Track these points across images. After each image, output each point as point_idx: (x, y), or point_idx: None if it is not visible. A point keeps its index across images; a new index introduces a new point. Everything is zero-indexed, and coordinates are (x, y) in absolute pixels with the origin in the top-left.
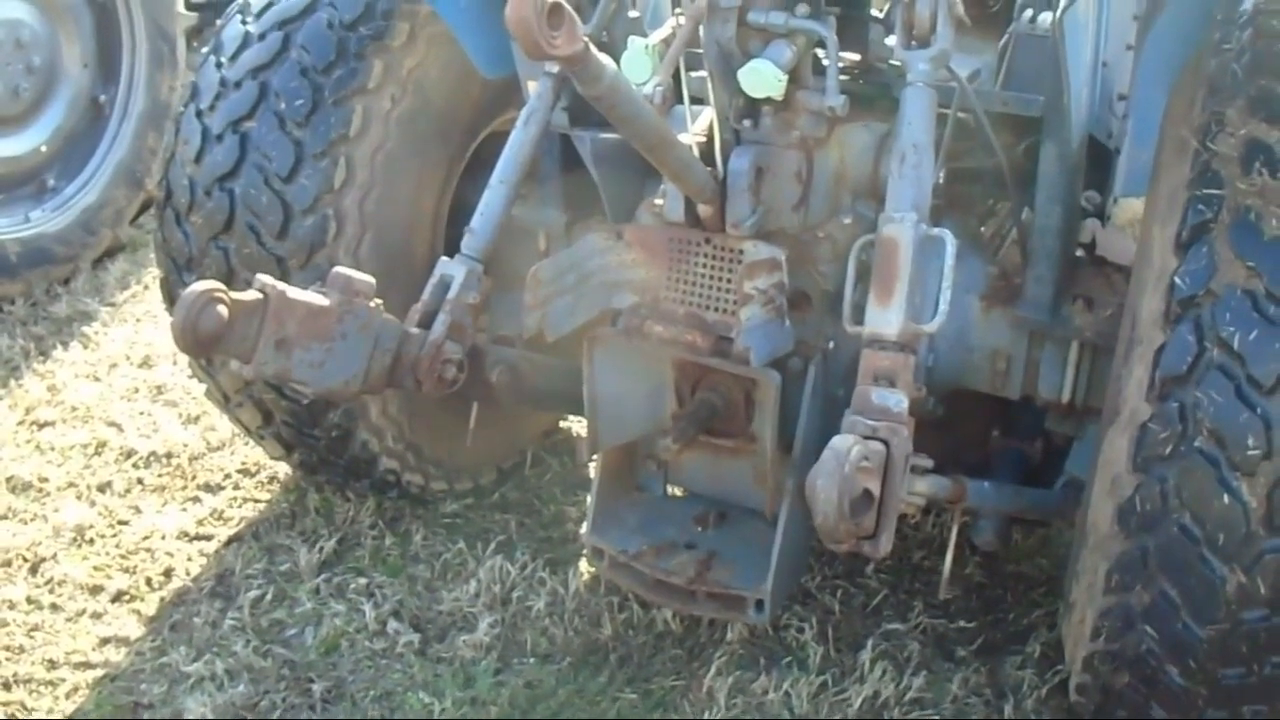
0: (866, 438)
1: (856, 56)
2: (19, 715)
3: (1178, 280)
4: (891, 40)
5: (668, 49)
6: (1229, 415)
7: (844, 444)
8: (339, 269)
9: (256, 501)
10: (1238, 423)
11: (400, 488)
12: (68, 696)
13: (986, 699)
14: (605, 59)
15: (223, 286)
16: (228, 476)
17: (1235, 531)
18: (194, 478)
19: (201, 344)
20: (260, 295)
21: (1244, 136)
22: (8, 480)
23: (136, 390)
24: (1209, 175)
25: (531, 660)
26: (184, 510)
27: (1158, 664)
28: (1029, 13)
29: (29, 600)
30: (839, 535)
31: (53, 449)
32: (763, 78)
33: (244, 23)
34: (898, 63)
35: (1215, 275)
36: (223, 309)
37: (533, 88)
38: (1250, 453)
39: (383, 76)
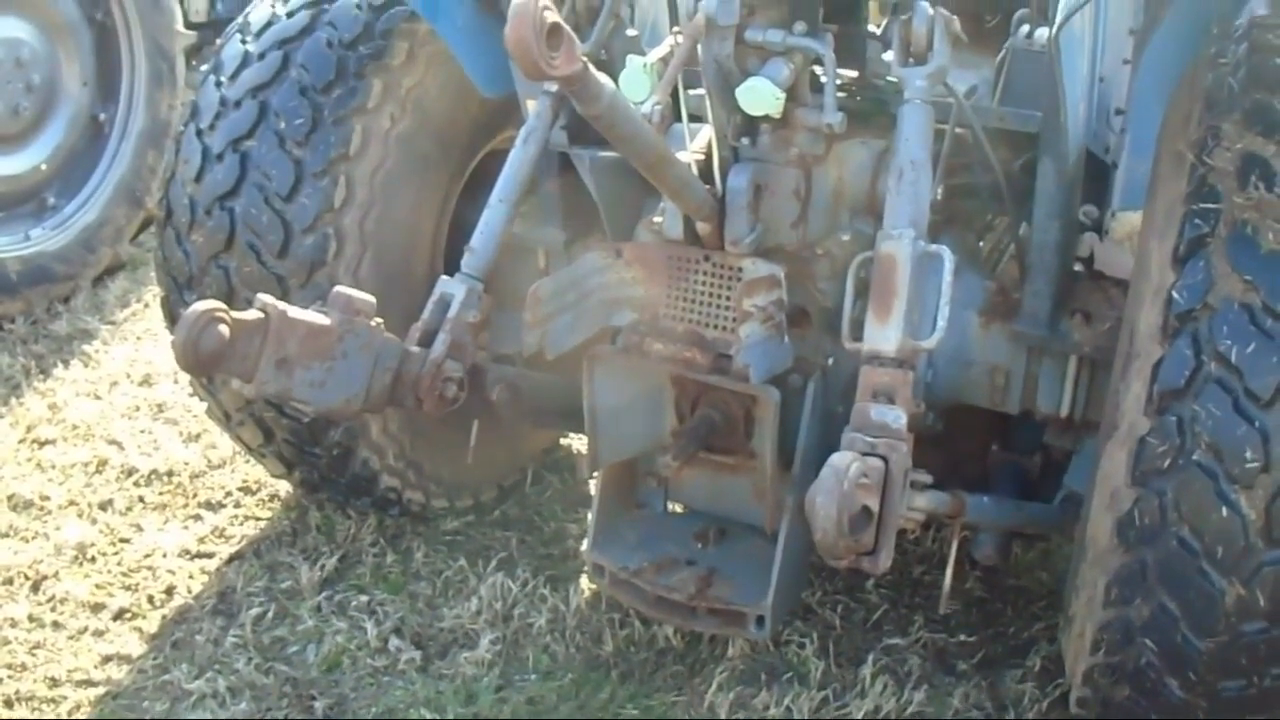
0: (865, 454)
1: (854, 73)
2: None
3: (1175, 294)
4: (889, 57)
5: (666, 67)
6: (1227, 428)
7: (843, 461)
8: (339, 288)
9: (258, 519)
10: (1236, 436)
11: (401, 505)
12: (70, 714)
13: (987, 713)
14: (604, 78)
15: (224, 306)
16: (229, 494)
17: (1234, 544)
18: (195, 495)
19: (203, 363)
20: (261, 314)
21: (1240, 150)
22: (9, 498)
23: (137, 408)
24: (1206, 189)
25: (533, 677)
26: (185, 528)
27: (1158, 677)
28: (1025, 28)
29: (31, 618)
30: (838, 552)
31: (54, 467)
32: (761, 95)
33: (243, 42)
34: (895, 79)
35: (1213, 289)
36: (224, 328)
37: (532, 106)
38: (1248, 466)
39: (382, 95)
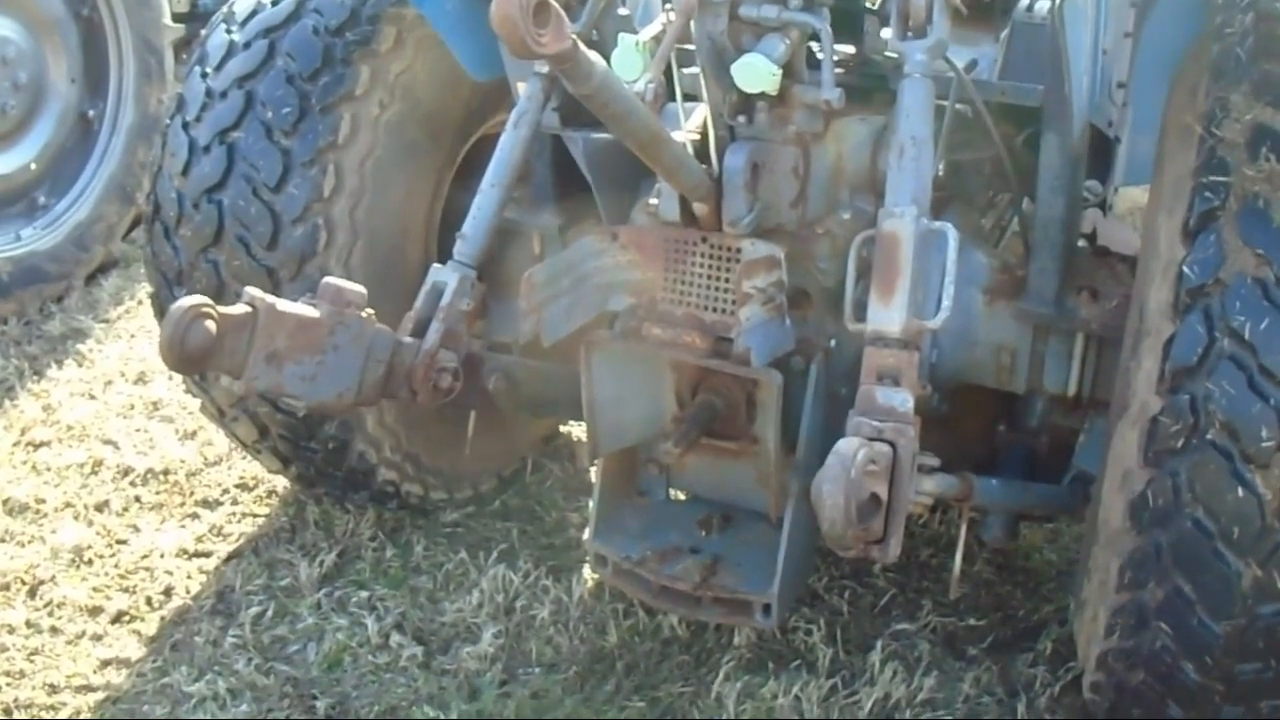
0: (872, 439)
1: (851, 49)
2: None
3: (1186, 269)
4: (887, 34)
5: (659, 45)
6: (1241, 407)
7: (849, 448)
8: (329, 279)
9: (255, 516)
10: (1250, 414)
11: (399, 498)
12: None
13: (999, 698)
14: (595, 56)
15: (210, 301)
16: (225, 492)
17: (1250, 525)
18: (192, 494)
19: (190, 360)
20: (249, 308)
21: (1250, 122)
22: (4, 502)
23: (132, 407)
24: (1215, 162)
25: (537, 670)
26: (182, 527)
27: (1173, 661)
28: (1026, 0)
29: (28, 624)
30: (847, 541)
31: (49, 469)
32: (756, 72)
33: (229, 32)
34: (893, 55)
35: (1224, 264)
36: (211, 324)
37: (522, 89)
38: (1264, 444)
39: (370, 82)
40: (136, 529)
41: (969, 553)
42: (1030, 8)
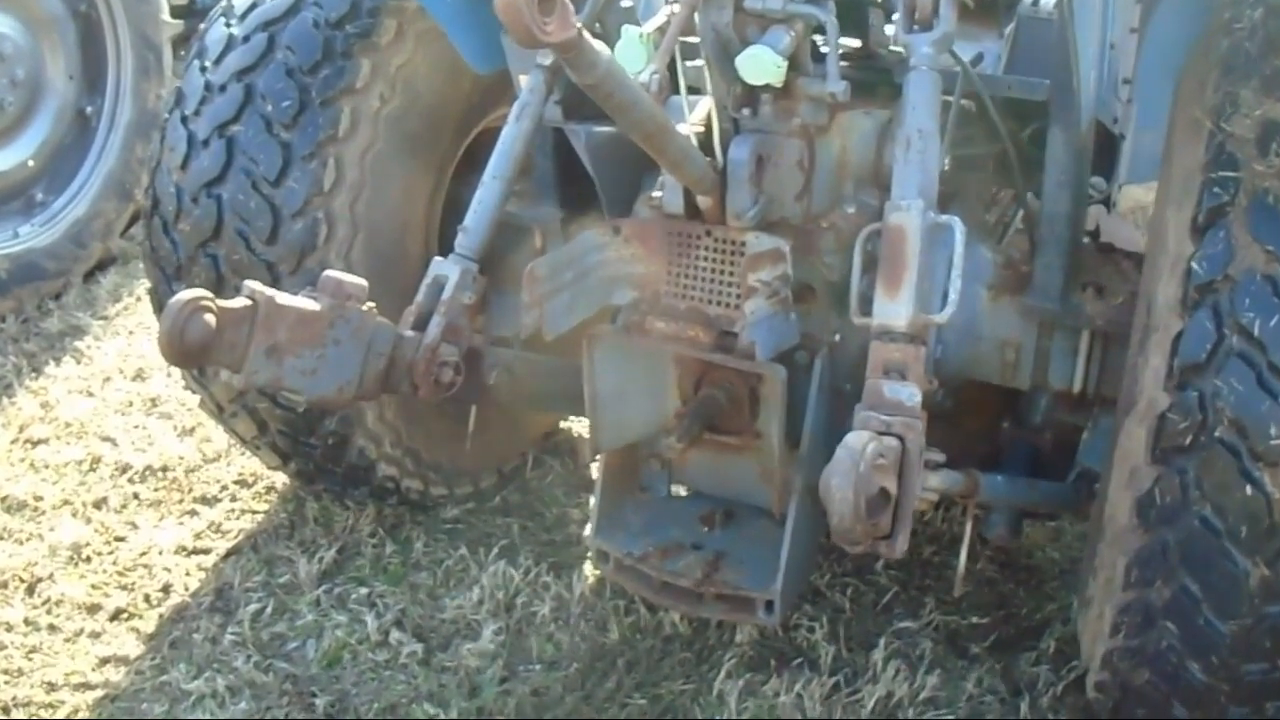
0: (881, 433)
1: (857, 42)
2: None
3: (1195, 265)
4: (891, 30)
5: (663, 38)
6: (1250, 404)
7: (859, 441)
8: (330, 272)
9: (254, 513)
10: (1259, 412)
11: (399, 494)
12: (68, 719)
13: (1002, 697)
14: (600, 45)
15: (210, 294)
16: (224, 488)
17: (1258, 524)
18: (190, 491)
19: (189, 354)
20: (249, 302)
21: (1259, 117)
22: (2, 500)
23: (130, 404)
24: (1224, 157)
25: (537, 667)
26: (181, 524)
27: (1179, 660)
28: None
29: (26, 622)
30: (856, 536)
31: (47, 466)
32: (761, 64)
33: (228, 25)
34: (899, 48)
35: (1233, 260)
36: (210, 318)
37: (524, 81)
38: (1273, 442)
39: (371, 75)
40: (135, 526)
41: (972, 550)
42: (1035, 2)
